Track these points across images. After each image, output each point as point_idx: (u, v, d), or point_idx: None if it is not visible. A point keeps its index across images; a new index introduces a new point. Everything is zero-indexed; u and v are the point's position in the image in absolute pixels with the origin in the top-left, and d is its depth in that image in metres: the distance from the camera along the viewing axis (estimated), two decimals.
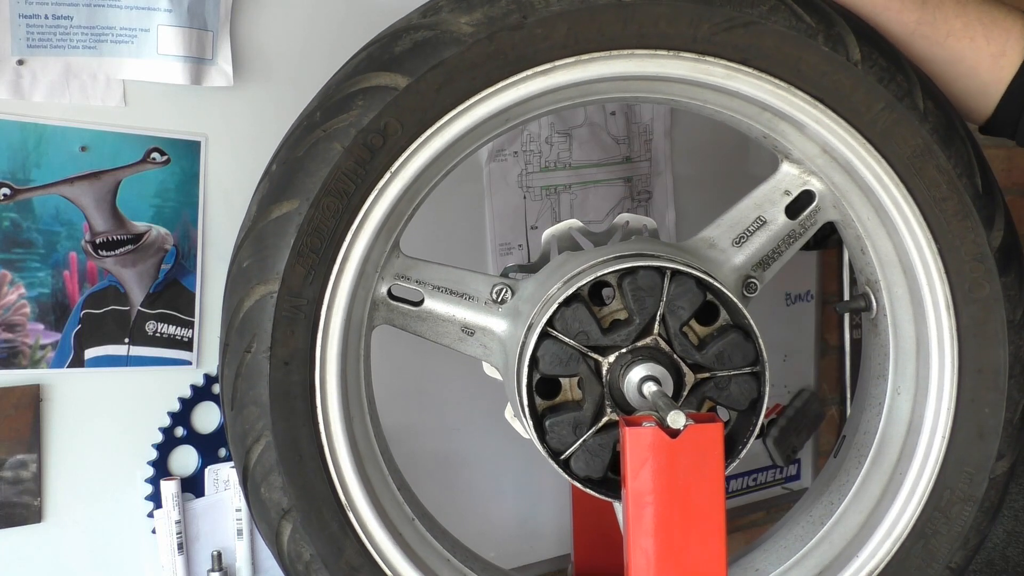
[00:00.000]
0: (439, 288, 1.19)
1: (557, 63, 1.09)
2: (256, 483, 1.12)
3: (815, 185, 1.21)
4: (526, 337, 1.12)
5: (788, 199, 1.22)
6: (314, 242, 1.09)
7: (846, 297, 1.87)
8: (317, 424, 1.11)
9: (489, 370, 1.24)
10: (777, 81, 1.12)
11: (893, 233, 1.17)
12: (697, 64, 1.11)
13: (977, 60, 1.17)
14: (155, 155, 1.36)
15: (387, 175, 1.09)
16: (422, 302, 1.19)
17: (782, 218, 1.22)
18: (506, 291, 1.19)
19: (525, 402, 1.12)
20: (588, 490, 1.12)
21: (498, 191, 1.64)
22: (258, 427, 1.10)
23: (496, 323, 1.19)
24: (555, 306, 1.10)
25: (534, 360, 1.11)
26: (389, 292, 1.18)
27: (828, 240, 1.75)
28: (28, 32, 1.26)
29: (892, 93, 1.12)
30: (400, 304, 1.19)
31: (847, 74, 1.11)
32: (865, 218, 1.20)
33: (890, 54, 1.13)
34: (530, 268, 1.29)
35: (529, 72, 1.09)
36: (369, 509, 1.13)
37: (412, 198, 1.14)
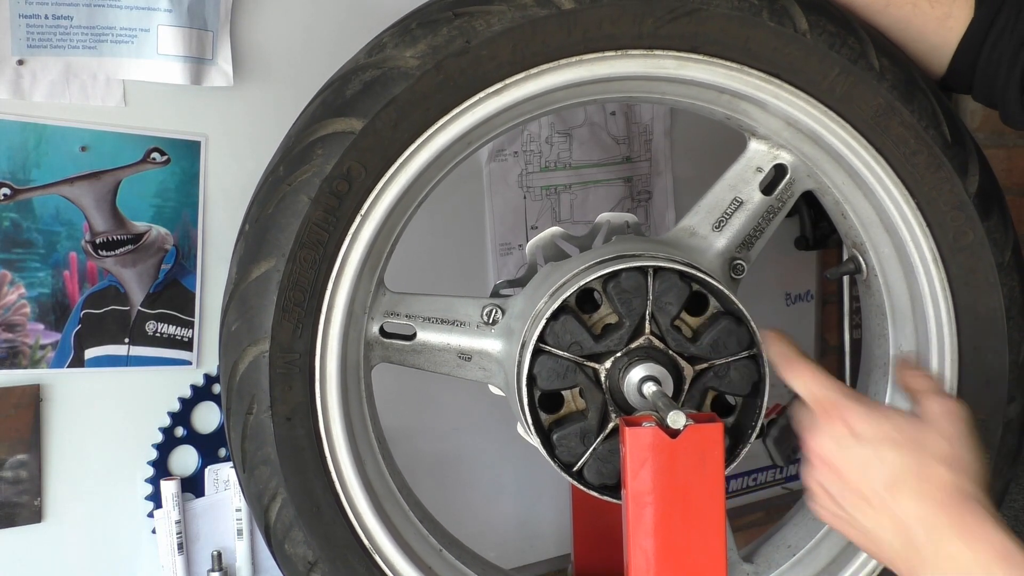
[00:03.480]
0: (429, 319, 1.19)
1: (507, 81, 1.09)
2: (279, 540, 1.12)
3: (785, 158, 1.20)
4: (521, 355, 1.12)
5: (761, 176, 1.21)
6: (297, 296, 1.09)
7: (846, 299, 1.85)
8: (329, 474, 1.11)
9: (495, 390, 1.24)
10: (729, 63, 1.11)
11: (869, 194, 1.17)
12: (647, 59, 1.11)
13: (923, 24, 1.16)
14: (155, 155, 1.36)
15: (358, 218, 1.10)
16: (415, 335, 1.19)
17: (758, 196, 1.21)
18: (496, 311, 1.20)
19: (530, 419, 1.12)
20: (607, 497, 1.11)
21: (498, 191, 1.64)
22: (272, 485, 1.11)
23: (491, 344, 1.19)
24: (544, 321, 1.10)
25: (531, 378, 1.11)
26: (381, 330, 1.18)
27: (828, 240, 1.74)
28: (28, 32, 1.26)
29: (845, 57, 1.11)
30: (394, 341, 1.19)
31: (797, 46, 1.11)
32: (840, 183, 1.20)
33: (838, 18, 1.13)
34: (519, 282, 1.29)
35: (482, 94, 1.09)
36: (394, 548, 1.14)
37: (388, 235, 1.14)
